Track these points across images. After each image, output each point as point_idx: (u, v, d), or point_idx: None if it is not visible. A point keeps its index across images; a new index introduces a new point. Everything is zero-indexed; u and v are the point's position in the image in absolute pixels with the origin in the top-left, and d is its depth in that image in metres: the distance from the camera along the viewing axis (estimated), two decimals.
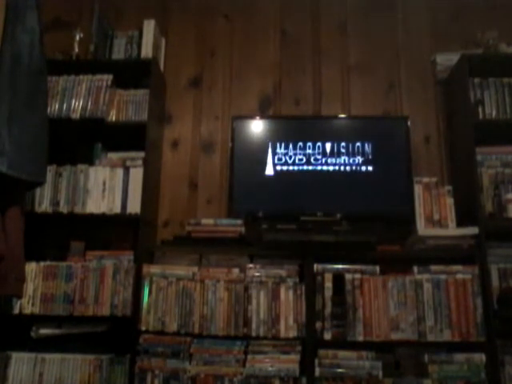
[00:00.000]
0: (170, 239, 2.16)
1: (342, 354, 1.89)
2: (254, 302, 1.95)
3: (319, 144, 2.22)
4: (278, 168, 2.21)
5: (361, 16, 2.61)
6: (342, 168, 2.20)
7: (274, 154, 2.22)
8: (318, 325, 1.91)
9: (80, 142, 2.33)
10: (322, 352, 1.89)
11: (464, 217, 2.11)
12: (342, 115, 2.45)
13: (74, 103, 2.23)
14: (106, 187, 2.16)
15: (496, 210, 2.09)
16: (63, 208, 2.14)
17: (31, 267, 2.02)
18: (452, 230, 2.08)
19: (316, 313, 1.92)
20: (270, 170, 2.21)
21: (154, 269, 2.01)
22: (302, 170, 2.20)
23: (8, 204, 1.72)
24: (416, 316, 1.89)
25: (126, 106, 2.28)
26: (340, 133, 2.28)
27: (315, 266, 1.97)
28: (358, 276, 1.95)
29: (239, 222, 2.12)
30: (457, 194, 2.15)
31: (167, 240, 2.17)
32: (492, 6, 2.56)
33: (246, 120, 2.30)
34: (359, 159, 2.20)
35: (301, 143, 2.23)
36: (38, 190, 2.12)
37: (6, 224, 1.68)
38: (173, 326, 1.94)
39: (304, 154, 2.22)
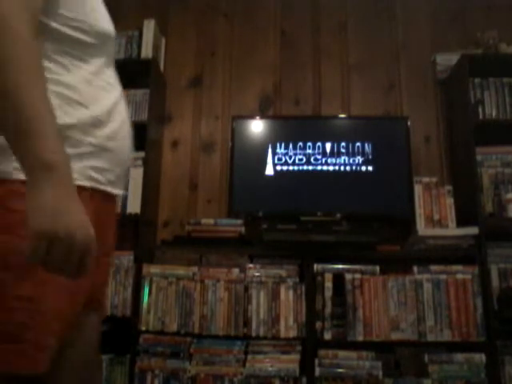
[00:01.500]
0: (170, 239, 2.16)
1: (342, 353, 1.89)
2: (254, 301, 1.95)
3: (319, 144, 2.22)
4: (278, 168, 2.21)
5: (361, 16, 2.61)
6: (342, 168, 2.20)
7: (274, 153, 2.22)
8: (318, 325, 1.91)
9: None
10: (322, 352, 1.89)
11: (464, 217, 2.11)
12: (342, 115, 2.45)
13: None
14: None
15: (496, 210, 2.09)
16: None
17: None
18: (452, 230, 2.08)
19: (316, 313, 1.92)
20: (270, 170, 2.21)
21: (154, 269, 2.01)
22: (302, 170, 2.20)
23: None
24: (416, 316, 1.89)
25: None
26: (340, 133, 2.28)
27: (315, 266, 1.97)
28: (358, 276, 1.95)
29: (239, 221, 2.12)
30: (457, 194, 2.15)
31: (167, 240, 2.17)
32: (492, 6, 2.56)
33: (246, 120, 2.30)
34: (359, 159, 2.20)
35: (301, 143, 2.23)
36: None
37: None
38: (173, 326, 1.94)
39: (304, 154, 2.22)
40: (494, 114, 2.21)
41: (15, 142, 0.67)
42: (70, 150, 0.74)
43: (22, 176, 0.70)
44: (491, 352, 1.85)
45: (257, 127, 2.29)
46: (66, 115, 0.80)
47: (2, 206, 0.74)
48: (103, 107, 0.88)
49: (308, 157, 2.21)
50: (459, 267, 1.94)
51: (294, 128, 2.30)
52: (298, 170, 2.20)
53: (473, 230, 1.99)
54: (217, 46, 2.63)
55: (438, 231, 2.06)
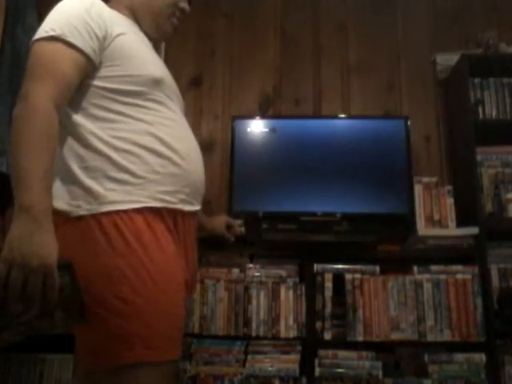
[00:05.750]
0: None
1: (342, 353, 1.89)
2: (254, 301, 1.95)
3: (319, 144, 2.22)
4: (278, 168, 2.20)
5: (361, 16, 2.61)
6: (342, 168, 2.19)
7: (274, 153, 2.22)
8: (318, 325, 1.91)
9: None
10: (322, 352, 1.89)
11: (464, 217, 2.11)
12: (342, 115, 2.45)
13: None
14: None
15: (496, 210, 2.09)
16: None
17: None
18: (452, 229, 2.08)
19: (316, 313, 1.92)
20: (269, 170, 2.21)
21: None
22: (302, 170, 2.20)
23: (8, 204, 1.71)
24: (416, 316, 1.90)
25: None
26: (340, 133, 2.28)
27: (315, 266, 1.97)
28: (358, 276, 1.95)
29: (239, 221, 2.12)
30: (457, 194, 2.15)
31: None
32: (492, 6, 2.56)
33: (246, 120, 2.30)
34: (359, 159, 2.19)
35: (301, 143, 2.23)
36: None
37: (7, 224, 1.68)
38: None
39: (304, 154, 2.21)
40: (494, 114, 2.21)
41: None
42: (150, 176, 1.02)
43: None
44: (491, 352, 1.85)
45: (257, 127, 2.29)
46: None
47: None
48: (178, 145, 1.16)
49: (308, 157, 2.21)
50: (459, 267, 1.94)
51: (294, 128, 2.30)
52: (298, 170, 2.20)
53: (473, 230, 1.98)
54: (217, 46, 2.62)
55: (437, 231, 2.06)
